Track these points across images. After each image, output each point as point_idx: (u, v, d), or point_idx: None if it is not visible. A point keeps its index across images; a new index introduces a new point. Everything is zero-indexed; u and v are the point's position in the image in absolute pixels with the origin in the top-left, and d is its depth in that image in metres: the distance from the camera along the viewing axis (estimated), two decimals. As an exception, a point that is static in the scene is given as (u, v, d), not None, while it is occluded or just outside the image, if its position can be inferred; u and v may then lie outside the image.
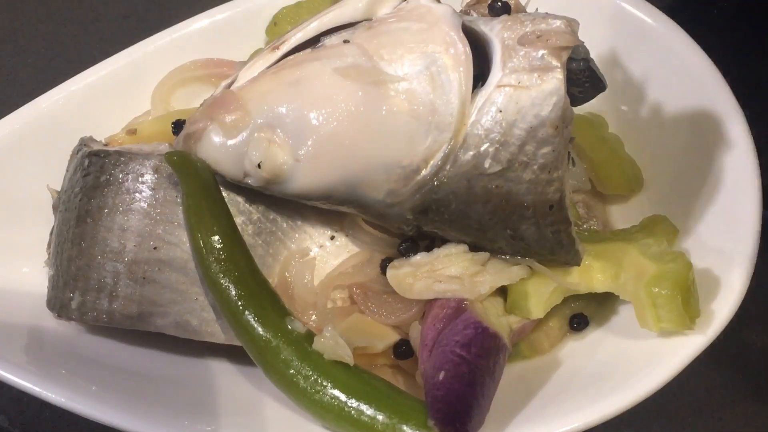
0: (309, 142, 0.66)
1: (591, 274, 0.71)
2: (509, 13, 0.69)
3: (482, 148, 0.64)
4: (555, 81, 0.62)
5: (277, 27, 0.91)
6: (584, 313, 0.75)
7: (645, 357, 0.67)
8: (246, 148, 0.67)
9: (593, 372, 0.70)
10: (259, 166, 0.66)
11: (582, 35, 0.66)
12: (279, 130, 0.66)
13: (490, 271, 0.70)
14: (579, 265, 0.70)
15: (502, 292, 0.72)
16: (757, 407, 0.82)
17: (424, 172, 0.65)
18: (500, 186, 0.65)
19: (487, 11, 0.70)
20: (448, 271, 0.69)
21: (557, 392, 0.69)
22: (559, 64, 0.62)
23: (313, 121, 0.65)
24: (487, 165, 0.64)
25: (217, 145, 0.68)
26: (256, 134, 0.67)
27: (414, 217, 0.68)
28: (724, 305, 0.67)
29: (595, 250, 0.71)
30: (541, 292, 0.70)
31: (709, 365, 0.68)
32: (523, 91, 0.63)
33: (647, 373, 0.65)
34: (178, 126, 0.79)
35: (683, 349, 0.66)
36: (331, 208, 0.72)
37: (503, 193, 0.65)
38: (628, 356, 0.69)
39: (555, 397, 0.69)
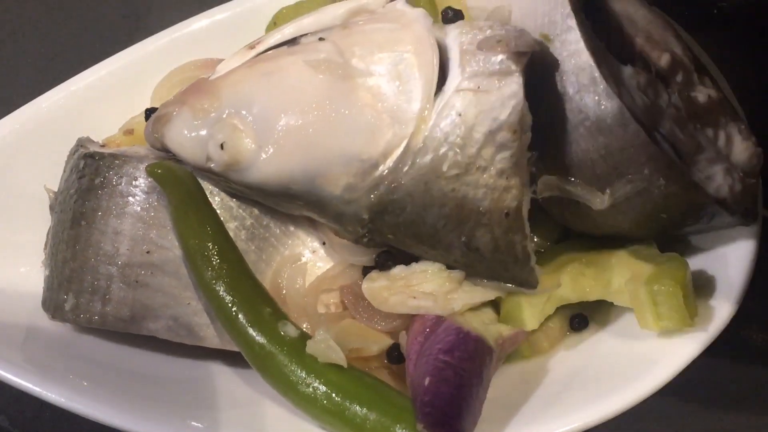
0: (274, 129, 0.67)
1: (582, 282, 0.71)
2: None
3: (441, 151, 0.65)
4: (514, 85, 0.63)
5: (276, 27, 0.90)
6: (584, 313, 0.75)
7: (645, 357, 0.67)
8: (212, 131, 0.68)
9: (593, 372, 0.70)
10: (222, 147, 0.67)
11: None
12: (246, 115, 0.67)
13: (465, 288, 0.70)
14: (535, 287, 0.69)
15: (493, 303, 0.72)
16: (757, 407, 0.82)
17: (381, 168, 0.66)
18: (457, 189, 0.65)
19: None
20: (422, 287, 0.69)
21: (557, 392, 0.69)
22: (518, 69, 0.63)
23: (280, 110, 0.67)
24: (445, 168, 0.65)
25: (185, 128, 0.69)
26: (223, 118, 0.67)
27: (369, 218, 0.68)
28: (724, 305, 0.67)
29: (586, 258, 0.72)
30: (535, 303, 0.70)
31: (709, 365, 0.68)
32: (483, 95, 0.64)
33: (647, 373, 0.65)
34: (151, 113, 0.78)
35: (683, 349, 0.66)
36: (289, 209, 0.72)
37: (459, 197, 0.65)
38: (628, 356, 0.69)
39: (555, 397, 0.68)
